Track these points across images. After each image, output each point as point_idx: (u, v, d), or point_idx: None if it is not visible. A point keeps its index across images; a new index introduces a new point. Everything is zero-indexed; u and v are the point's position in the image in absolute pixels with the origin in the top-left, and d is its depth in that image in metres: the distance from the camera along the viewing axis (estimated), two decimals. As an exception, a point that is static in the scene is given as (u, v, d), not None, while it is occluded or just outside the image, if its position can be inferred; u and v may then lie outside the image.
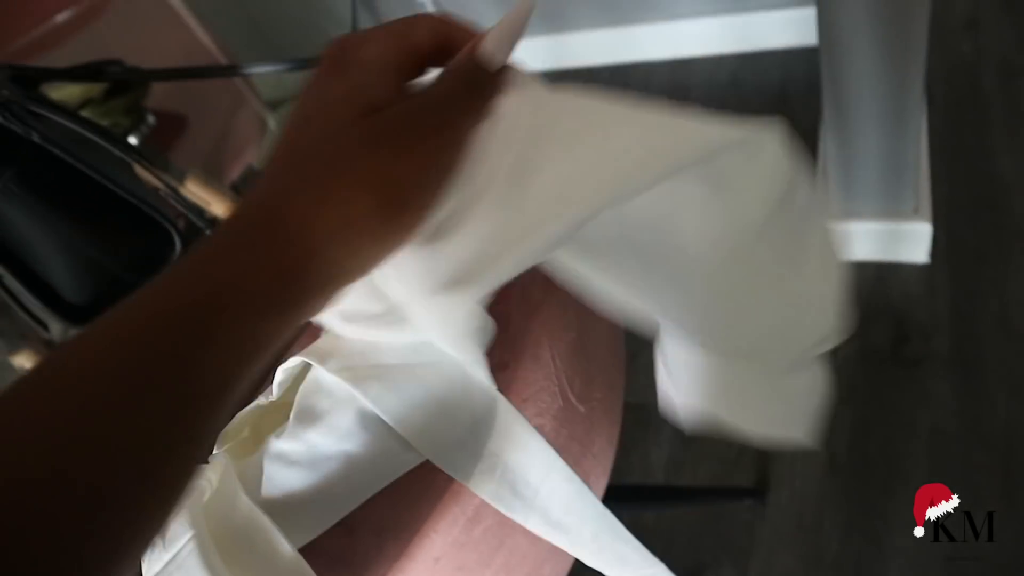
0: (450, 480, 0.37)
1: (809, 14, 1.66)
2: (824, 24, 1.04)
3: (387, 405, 0.32)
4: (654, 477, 1.23)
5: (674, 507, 1.20)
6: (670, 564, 1.25)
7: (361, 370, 0.33)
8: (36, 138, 0.57)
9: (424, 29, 0.29)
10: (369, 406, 0.32)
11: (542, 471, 0.35)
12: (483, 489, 0.33)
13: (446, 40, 0.29)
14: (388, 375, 0.32)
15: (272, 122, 1.98)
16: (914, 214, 1.27)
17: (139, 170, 0.67)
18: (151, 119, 0.97)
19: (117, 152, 0.60)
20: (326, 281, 0.26)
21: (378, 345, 0.33)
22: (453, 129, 0.28)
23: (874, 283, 1.33)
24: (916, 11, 0.98)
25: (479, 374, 0.33)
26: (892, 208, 1.27)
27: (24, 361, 0.86)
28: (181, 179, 0.92)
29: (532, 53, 1.93)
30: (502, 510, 0.34)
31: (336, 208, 0.25)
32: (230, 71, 0.87)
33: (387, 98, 0.27)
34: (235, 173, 1.28)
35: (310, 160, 0.26)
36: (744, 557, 1.12)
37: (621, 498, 1.05)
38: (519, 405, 0.40)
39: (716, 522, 1.16)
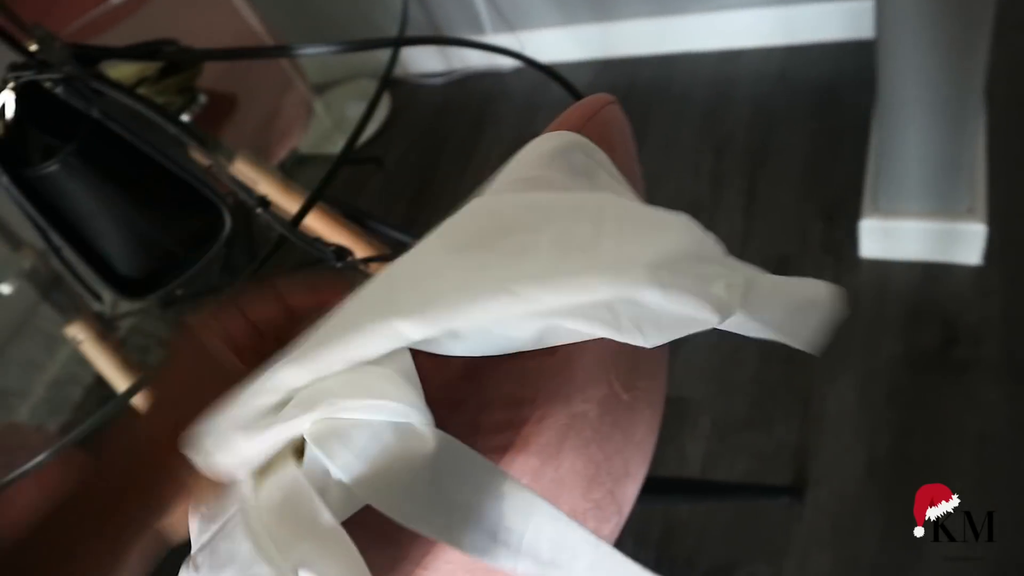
0: (495, 462, 0.37)
1: (861, 7, 1.62)
2: (882, 16, 1.01)
3: (350, 466, 0.31)
4: (690, 470, 1.23)
5: (709, 501, 1.19)
6: (703, 559, 1.24)
7: (327, 424, 0.32)
8: (96, 114, 0.58)
9: (253, 311, 0.40)
10: (335, 471, 0.31)
11: (522, 514, 0.33)
12: (460, 542, 0.32)
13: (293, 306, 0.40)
14: (345, 430, 0.31)
15: (318, 106, 2.00)
16: (968, 214, 1.23)
17: (191, 149, 0.68)
18: (203, 99, 0.99)
19: (171, 130, 0.61)
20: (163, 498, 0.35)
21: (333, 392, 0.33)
22: None
23: (922, 284, 1.30)
24: (980, 5, 0.95)
25: (425, 428, 0.32)
26: (945, 207, 1.23)
27: (77, 332, 0.88)
28: (230, 158, 0.93)
29: (579, 42, 1.92)
30: (487, 561, 0.32)
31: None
32: (282, 52, 0.88)
33: (220, 361, 0.37)
34: (281, 154, 1.29)
35: (166, 405, 0.37)
36: (779, 556, 1.11)
37: (656, 490, 1.05)
38: (567, 392, 0.40)
39: (751, 519, 1.15)
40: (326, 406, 0.32)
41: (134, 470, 0.34)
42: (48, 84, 0.61)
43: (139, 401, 0.38)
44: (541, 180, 0.36)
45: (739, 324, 0.33)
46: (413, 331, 0.31)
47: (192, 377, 0.38)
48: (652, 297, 0.30)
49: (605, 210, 0.32)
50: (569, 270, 0.30)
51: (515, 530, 0.32)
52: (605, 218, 0.32)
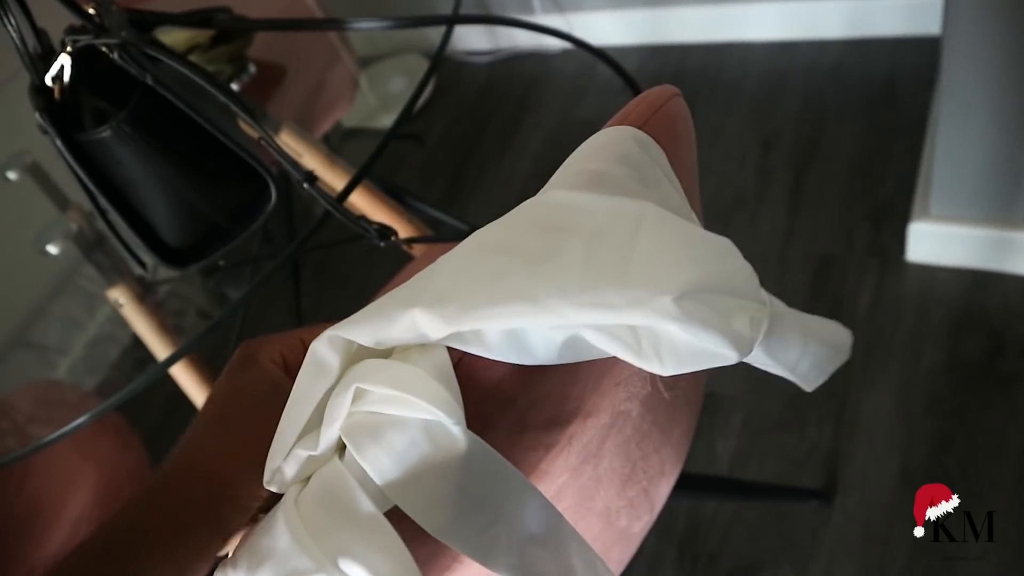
0: (539, 459, 0.36)
1: (924, 1, 1.56)
2: (950, 12, 0.97)
3: (381, 465, 0.31)
4: (718, 467, 1.21)
5: (736, 500, 1.18)
6: (726, 557, 1.23)
7: (359, 419, 0.32)
8: (150, 81, 0.58)
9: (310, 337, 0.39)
10: (367, 469, 0.31)
11: (548, 533, 0.33)
12: (487, 559, 0.31)
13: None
14: (378, 427, 0.31)
15: (362, 80, 1.99)
16: (1025, 223, 1.20)
17: (239, 119, 0.68)
18: (252, 69, 0.99)
19: (223, 100, 0.61)
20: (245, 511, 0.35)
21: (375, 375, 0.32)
22: None
23: (971, 292, 1.26)
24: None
25: (456, 429, 0.31)
26: (1001, 215, 1.20)
27: (119, 295, 0.89)
28: (276, 130, 0.93)
29: (627, 26, 1.89)
30: None
31: (249, 459, 0.35)
32: (335, 24, 0.87)
33: (282, 384, 0.36)
34: (325, 127, 1.29)
35: (229, 426, 0.37)
36: (804, 560, 1.09)
37: (684, 486, 1.04)
38: (612, 390, 0.40)
39: (778, 521, 1.14)
40: (359, 398, 0.31)
41: (197, 498, 0.34)
42: (104, 49, 0.61)
43: (198, 421, 0.38)
44: (597, 173, 0.35)
45: (756, 359, 0.32)
46: (429, 326, 0.31)
47: (249, 398, 0.37)
48: (674, 329, 0.29)
49: (643, 221, 0.31)
50: (595, 287, 0.29)
51: (540, 549, 0.32)
52: (642, 230, 0.31)
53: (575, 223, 0.32)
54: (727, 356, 0.30)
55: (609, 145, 0.36)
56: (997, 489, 1.07)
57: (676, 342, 0.30)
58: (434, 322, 0.30)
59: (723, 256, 0.31)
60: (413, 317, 0.31)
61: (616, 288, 0.29)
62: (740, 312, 0.30)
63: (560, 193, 0.33)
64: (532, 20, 1.95)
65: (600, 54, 0.75)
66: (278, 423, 0.34)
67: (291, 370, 0.39)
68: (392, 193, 1.09)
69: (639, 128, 0.38)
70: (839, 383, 1.23)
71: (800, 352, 0.32)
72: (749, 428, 1.24)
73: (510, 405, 0.33)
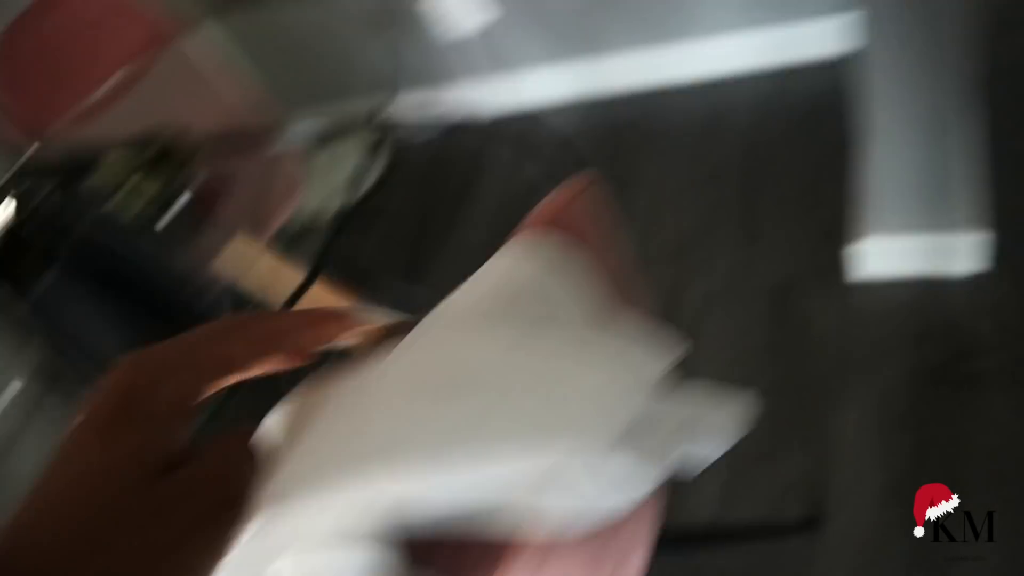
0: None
1: (850, 20, 1.61)
2: (861, 31, 1.02)
3: None
4: (705, 509, 1.21)
5: (725, 547, 1.18)
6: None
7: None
8: (84, 230, 0.59)
9: (237, 353, 0.28)
10: None
11: None
12: None
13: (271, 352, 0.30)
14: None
15: (314, 164, 2.02)
16: (965, 225, 1.23)
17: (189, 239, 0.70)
18: (199, 177, 1.00)
19: (162, 241, 0.62)
20: None
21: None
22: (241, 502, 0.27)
23: (923, 299, 1.29)
24: (949, 10, 0.97)
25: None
26: (939, 220, 1.23)
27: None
28: (228, 239, 0.95)
29: (562, 79, 1.93)
30: None
31: None
32: (272, 135, 0.90)
33: (178, 450, 0.25)
34: (281, 220, 1.31)
35: (87, 537, 0.22)
36: (804, 589, 1.09)
37: (665, 546, 1.04)
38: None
39: (773, 557, 1.14)
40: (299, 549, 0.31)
41: None
42: (45, 192, 0.62)
43: (36, 524, 0.23)
44: (507, 304, 0.35)
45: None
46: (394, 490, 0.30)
47: (137, 491, 0.24)
48: (606, 472, 0.30)
49: (555, 366, 0.32)
50: (528, 438, 0.30)
51: None
52: (555, 376, 0.32)
53: (498, 371, 0.32)
54: (657, 478, 0.31)
55: (513, 269, 0.37)
56: (982, 492, 1.08)
57: (594, 488, 0.30)
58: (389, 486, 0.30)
59: (643, 367, 0.32)
60: (376, 495, 0.30)
61: (560, 433, 0.30)
62: (659, 429, 0.31)
63: (473, 336, 0.34)
64: (475, 81, 2.00)
65: (527, 135, 0.77)
66: (179, 537, 0.24)
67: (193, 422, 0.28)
68: (354, 278, 1.10)
69: (552, 227, 0.39)
70: (812, 408, 1.25)
71: (681, 448, 0.33)
72: (730, 465, 1.24)
73: (437, 548, 0.34)
